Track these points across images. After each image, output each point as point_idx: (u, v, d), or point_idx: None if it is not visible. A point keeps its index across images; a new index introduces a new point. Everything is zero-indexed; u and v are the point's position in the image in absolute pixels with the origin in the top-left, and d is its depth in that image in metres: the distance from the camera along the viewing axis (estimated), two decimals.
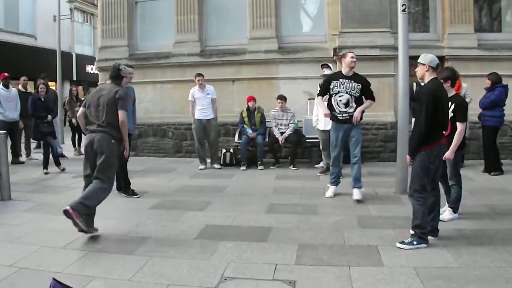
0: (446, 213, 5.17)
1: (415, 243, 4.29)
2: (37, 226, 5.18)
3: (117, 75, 5.16)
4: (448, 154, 4.65)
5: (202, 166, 9.06)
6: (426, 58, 4.43)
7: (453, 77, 5.02)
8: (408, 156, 4.50)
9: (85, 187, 4.89)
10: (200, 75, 8.96)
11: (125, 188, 6.74)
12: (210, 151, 9.25)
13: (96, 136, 4.86)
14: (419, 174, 4.38)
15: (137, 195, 6.65)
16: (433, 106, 4.23)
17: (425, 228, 4.34)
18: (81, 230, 4.57)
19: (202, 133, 9.03)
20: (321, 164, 8.52)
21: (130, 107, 6.32)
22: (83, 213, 4.57)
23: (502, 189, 6.38)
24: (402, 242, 4.33)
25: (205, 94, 8.99)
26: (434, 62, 4.42)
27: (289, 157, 9.16)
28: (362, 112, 6.24)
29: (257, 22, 10.18)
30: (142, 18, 11.25)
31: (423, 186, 4.39)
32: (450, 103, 4.73)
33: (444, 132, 4.51)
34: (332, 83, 6.24)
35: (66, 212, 4.43)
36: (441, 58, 9.09)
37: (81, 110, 5.19)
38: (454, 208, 5.21)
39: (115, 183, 6.57)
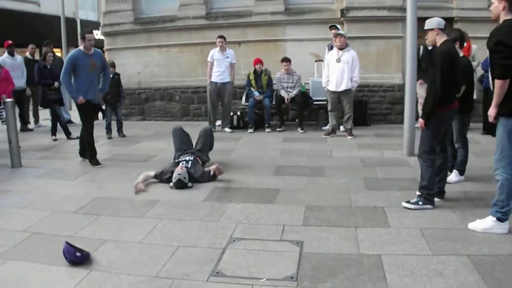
0: (452, 175, 5.18)
1: (420, 203, 4.32)
2: (48, 191, 5.27)
3: None
4: None
5: None
6: (433, 22, 4.30)
7: (462, 38, 4.96)
8: (421, 120, 4.35)
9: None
10: (221, 37, 8.89)
11: (91, 156, 6.52)
12: (222, 115, 9.22)
13: None
14: (429, 136, 4.35)
15: (100, 164, 6.46)
16: (448, 68, 4.15)
17: (431, 190, 4.36)
18: None
19: (216, 97, 8.97)
20: (328, 126, 8.48)
21: (84, 73, 6.29)
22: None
23: None
24: (408, 202, 4.37)
25: (224, 57, 8.92)
26: (441, 23, 4.31)
27: (297, 120, 9.13)
28: None
29: None
30: None
31: (432, 148, 4.37)
32: None
33: (456, 94, 4.45)
34: None
35: None
36: (450, 20, 8.88)
37: None
38: (461, 170, 5.22)
39: (78, 147, 6.84)
